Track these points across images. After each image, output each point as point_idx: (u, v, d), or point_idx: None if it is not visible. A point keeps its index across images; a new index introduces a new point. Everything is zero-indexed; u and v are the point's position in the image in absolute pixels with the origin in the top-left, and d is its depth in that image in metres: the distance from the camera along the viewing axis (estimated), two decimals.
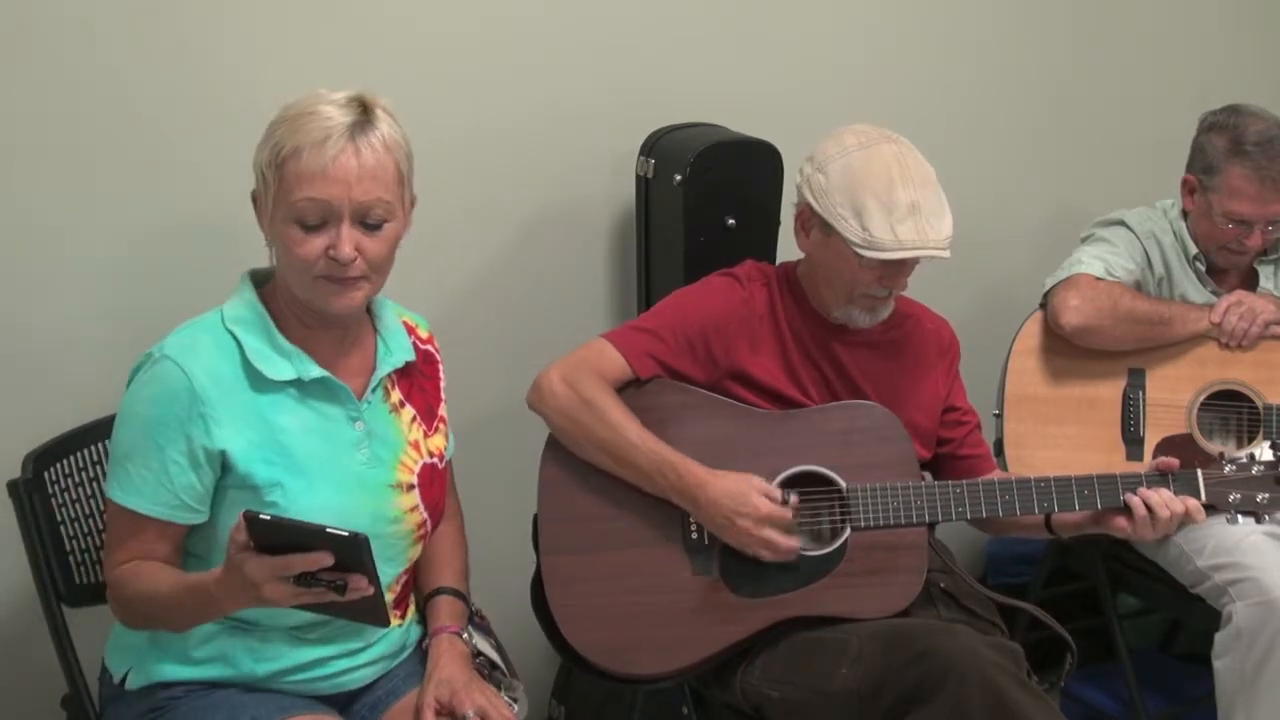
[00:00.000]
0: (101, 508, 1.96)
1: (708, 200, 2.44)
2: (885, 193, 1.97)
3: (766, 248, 2.47)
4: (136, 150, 2.16)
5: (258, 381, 1.72)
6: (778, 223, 2.49)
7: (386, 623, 1.67)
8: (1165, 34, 3.21)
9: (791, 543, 1.98)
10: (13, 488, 1.87)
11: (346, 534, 1.48)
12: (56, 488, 1.92)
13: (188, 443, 1.68)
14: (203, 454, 1.69)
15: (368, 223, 1.69)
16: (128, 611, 1.75)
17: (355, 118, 1.67)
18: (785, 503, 1.98)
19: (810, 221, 2.08)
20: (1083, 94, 3.14)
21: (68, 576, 1.91)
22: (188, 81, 2.17)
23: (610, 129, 2.55)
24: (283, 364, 1.73)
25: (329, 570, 1.51)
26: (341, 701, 1.85)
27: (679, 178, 2.43)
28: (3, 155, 2.07)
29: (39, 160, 2.10)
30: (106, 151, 2.14)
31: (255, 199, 1.74)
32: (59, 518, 1.91)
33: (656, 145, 2.52)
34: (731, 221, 2.46)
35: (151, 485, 1.69)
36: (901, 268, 2.04)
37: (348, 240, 1.67)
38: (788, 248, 2.23)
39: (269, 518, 1.50)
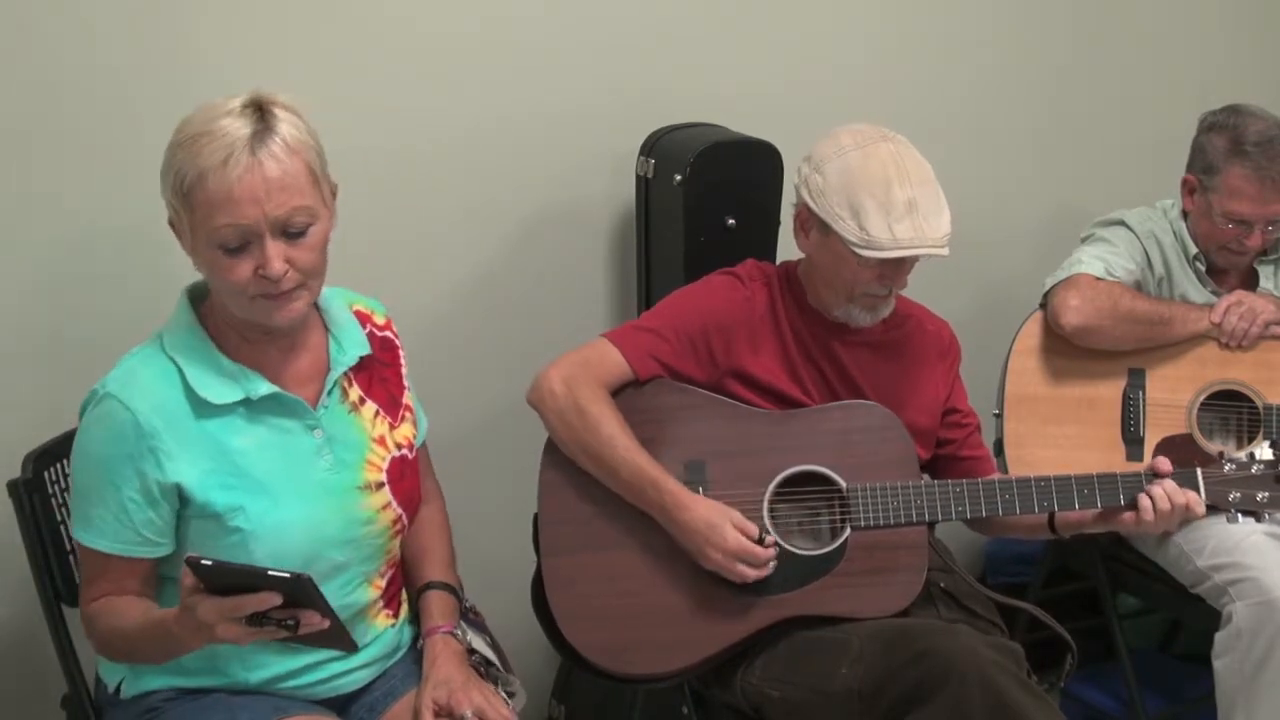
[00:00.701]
0: None
1: (708, 200, 2.44)
2: (882, 192, 1.97)
3: (766, 248, 2.47)
4: (134, 149, 2.16)
5: (203, 408, 1.69)
6: (778, 223, 2.49)
7: (353, 649, 1.67)
8: (1165, 34, 3.21)
9: (758, 573, 1.97)
10: (13, 488, 1.87)
11: (289, 575, 1.49)
12: (56, 488, 1.92)
13: (141, 479, 1.66)
14: (157, 488, 1.67)
15: (290, 232, 1.64)
16: (103, 646, 1.75)
17: (253, 127, 1.61)
18: (761, 539, 1.98)
19: (809, 222, 2.08)
20: (1083, 94, 3.14)
21: (68, 576, 1.90)
22: (186, 82, 2.17)
23: (610, 129, 2.55)
24: (227, 386, 1.70)
25: (280, 608, 1.51)
26: (339, 704, 1.84)
27: (679, 178, 2.43)
28: (5, 154, 2.07)
29: (39, 158, 2.10)
30: (104, 150, 2.14)
31: (173, 225, 1.69)
32: (59, 518, 1.91)
33: (656, 145, 2.52)
34: (731, 221, 2.46)
35: (111, 524, 1.68)
36: (901, 266, 2.04)
37: (275, 257, 1.62)
38: (788, 248, 2.23)
39: (210, 563, 1.50)
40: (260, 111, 1.63)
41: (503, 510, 2.31)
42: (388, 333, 1.92)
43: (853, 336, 2.15)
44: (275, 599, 1.50)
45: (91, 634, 1.75)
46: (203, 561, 1.50)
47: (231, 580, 1.51)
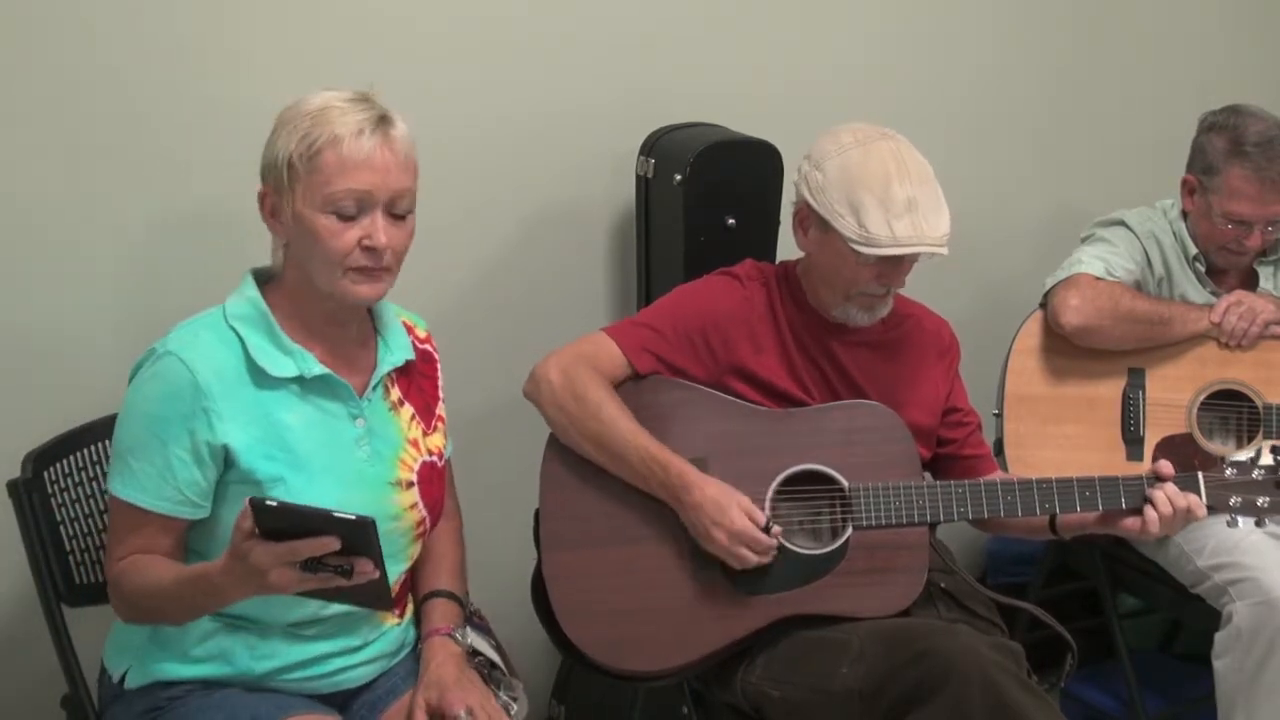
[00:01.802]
0: (102, 507, 1.96)
1: (708, 200, 2.44)
2: (882, 189, 1.97)
3: (766, 248, 2.47)
4: (134, 149, 2.16)
5: (260, 378, 1.73)
6: (778, 223, 2.49)
7: (391, 606, 1.68)
8: (1165, 34, 3.21)
9: (760, 560, 1.97)
10: (13, 488, 1.87)
11: (353, 517, 1.49)
12: (56, 488, 1.92)
13: (191, 438, 1.69)
14: (206, 449, 1.69)
15: (395, 213, 1.72)
16: (128, 606, 1.75)
17: (379, 112, 1.71)
18: (767, 529, 1.98)
19: (808, 220, 2.08)
20: (1083, 94, 3.14)
21: (68, 576, 1.90)
22: (185, 81, 2.17)
23: (610, 129, 2.55)
24: (285, 361, 1.74)
25: (335, 555, 1.51)
26: (341, 700, 1.85)
27: (679, 178, 2.43)
28: (4, 154, 2.07)
29: (37, 160, 2.10)
30: (105, 150, 2.14)
31: (263, 197, 1.74)
32: (59, 518, 1.91)
33: (656, 145, 2.52)
34: (731, 221, 2.47)
35: (154, 480, 1.70)
36: (899, 265, 2.04)
37: (384, 229, 1.70)
38: (788, 247, 2.23)
39: (275, 503, 1.51)
40: (376, 104, 1.73)
41: (502, 507, 2.31)
42: (428, 346, 1.97)
43: (852, 336, 2.15)
44: (334, 543, 1.50)
45: (116, 592, 1.75)
46: (267, 502, 1.50)
47: (292, 523, 1.50)
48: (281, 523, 1.51)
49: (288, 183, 1.70)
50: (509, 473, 2.31)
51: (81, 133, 2.12)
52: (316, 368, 1.76)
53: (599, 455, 2.02)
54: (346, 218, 1.69)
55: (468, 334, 2.52)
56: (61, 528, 1.91)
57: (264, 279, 1.81)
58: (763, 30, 2.71)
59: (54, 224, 2.13)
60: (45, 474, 1.90)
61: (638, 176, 2.55)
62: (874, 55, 2.86)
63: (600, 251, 2.66)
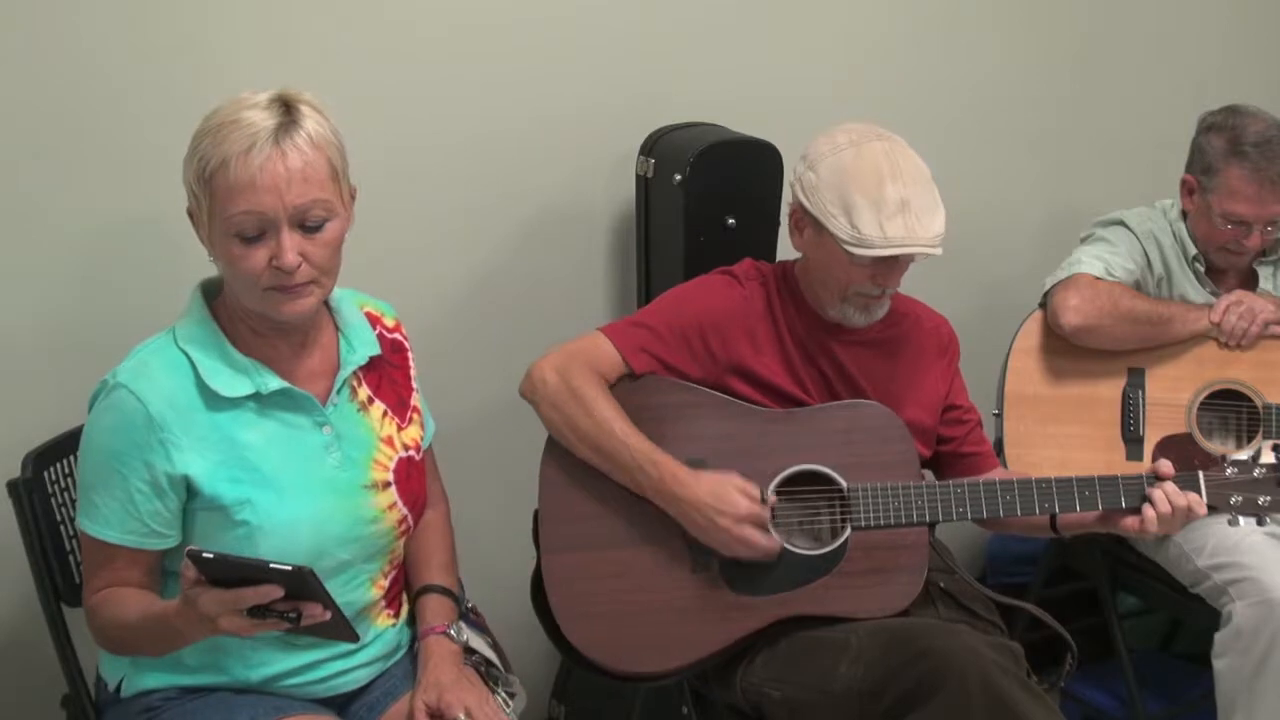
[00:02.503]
0: None
1: (708, 200, 2.44)
2: (875, 190, 1.97)
3: (766, 248, 2.47)
4: (136, 149, 2.16)
5: (214, 400, 1.70)
6: (778, 223, 2.49)
7: (354, 639, 1.67)
8: (1165, 34, 3.21)
9: (770, 543, 1.97)
10: (13, 488, 1.87)
11: (290, 569, 1.49)
12: (56, 488, 1.92)
13: (149, 470, 1.67)
14: (165, 480, 1.67)
15: (307, 225, 1.65)
16: (104, 638, 1.75)
17: (279, 119, 1.63)
18: (764, 502, 1.98)
19: (803, 220, 2.09)
20: (1083, 94, 3.14)
21: (68, 576, 1.90)
22: (186, 81, 2.17)
23: (610, 129, 2.55)
24: (239, 379, 1.71)
25: (281, 601, 1.52)
26: (339, 703, 1.84)
27: (679, 178, 2.43)
28: (4, 154, 2.07)
29: (37, 159, 2.10)
30: (106, 151, 2.14)
31: (191, 215, 1.70)
32: (59, 518, 1.91)
33: (656, 145, 2.52)
34: (731, 221, 2.47)
35: (118, 514, 1.68)
36: (894, 266, 2.03)
37: (289, 248, 1.63)
38: (788, 248, 2.23)
39: (211, 555, 1.51)
40: (286, 106, 1.65)
41: (502, 509, 2.31)
42: (397, 335, 1.93)
43: (851, 335, 2.15)
44: (277, 591, 1.50)
45: (93, 626, 1.75)
46: (204, 554, 1.50)
47: (233, 572, 1.52)
48: (222, 572, 1.52)
49: (197, 206, 1.67)
50: (508, 473, 2.31)
51: (80, 133, 2.12)
52: (274, 382, 1.72)
53: (591, 455, 2.02)
54: (250, 240, 1.63)
55: (468, 334, 2.52)
56: (61, 528, 1.91)
57: (215, 291, 1.77)
58: (763, 30, 2.71)
59: (54, 224, 2.13)
60: (45, 474, 1.90)
61: (638, 176, 2.55)
62: (874, 55, 2.86)
63: (600, 251, 2.66)
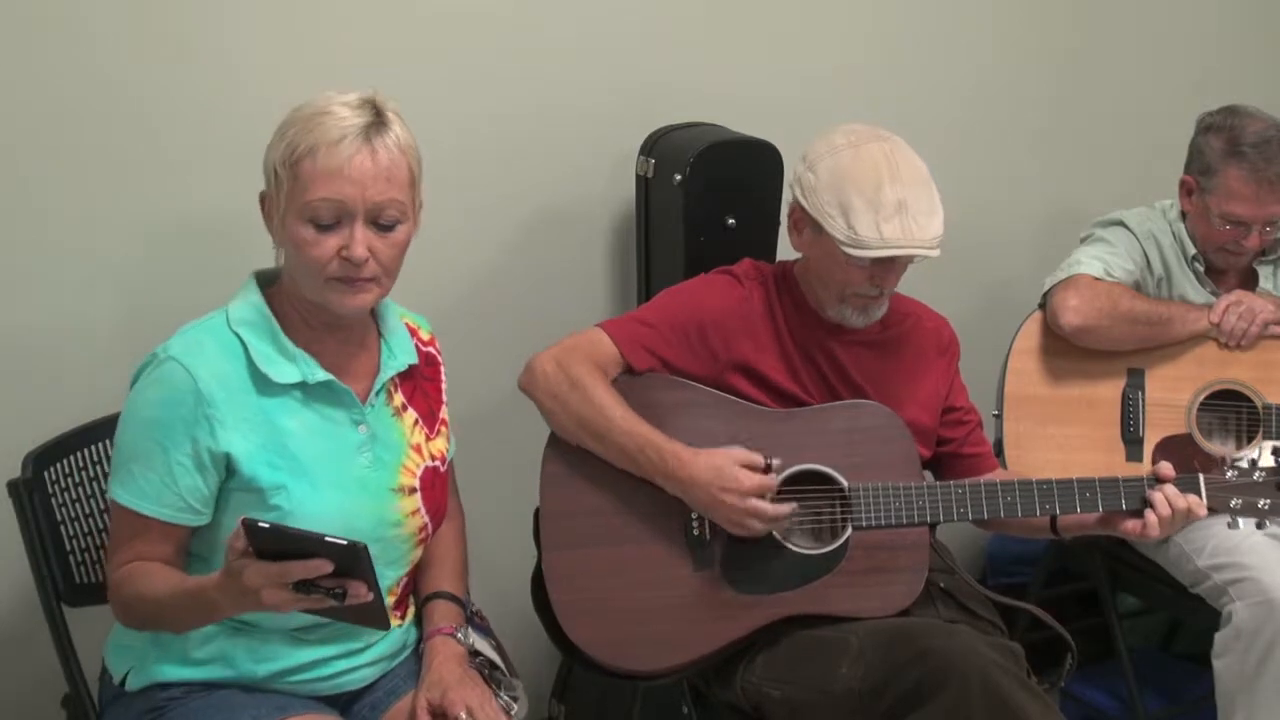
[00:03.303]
0: (102, 507, 1.96)
1: (708, 200, 2.44)
2: (872, 191, 1.97)
3: (766, 248, 2.47)
4: (137, 150, 2.16)
5: (263, 384, 1.72)
6: (778, 223, 2.49)
7: (387, 626, 1.67)
8: (1164, 34, 3.21)
9: (780, 509, 1.97)
10: (13, 488, 1.87)
11: (345, 543, 1.48)
12: (56, 488, 1.92)
13: (193, 444, 1.68)
14: (208, 456, 1.68)
15: (380, 223, 1.69)
16: (127, 612, 1.75)
17: (369, 119, 1.68)
18: (769, 466, 1.97)
19: (802, 221, 2.09)
20: (1083, 94, 3.14)
21: (68, 576, 1.91)
22: (187, 82, 2.17)
23: (610, 129, 2.55)
24: (288, 367, 1.73)
25: (328, 577, 1.51)
26: (343, 702, 1.85)
27: (679, 178, 2.43)
28: (6, 154, 2.07)
29: (40, 160, 2.10)
30: (107, 151, 2.14)
31: (264, 200, 1.74)
32: (59, 518, 1.91)
33: (656, 145, 2.52)
34: (731, 221, 2.47)
35: (155, 486, 1.69)
36: (891, 267, 2.03)
37: (361, 240, 1.67)
38: (787, 248, 2.23)
39: (267, 525, 1.50)
40: (376, 109, 1.70)
41: (503, 507, 2.31)
42: (431, 349, 1.96)
43: (851, 335, 2.15)
44: (326, 566, 1.50)
45: (116, 598, 1.75)
46: (260, 524, 1.49)
47: (285, 544, 1.50)
48: (274, 544, 1.50)
49: (275, 189, 1.69)
50: (509, 471, 2.31)
51: (82, 134, 2.12)
52: (320, 373, 1.75)
53: (592, 442, 2.02)
54: (324, 227, 1.67)
55: (468, 334, 2.52)
56: (61, 528, 1.91)
57: (267, 281, 1.80)
58: (763, 30, 2.71)
59: (55, 224, 2.13)
60: (45, 474, 1.90)
61: (638, 176, 2.55)
62: (874, 55, 2.86)
63: (600, 251, 2.66)
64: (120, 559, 1.73)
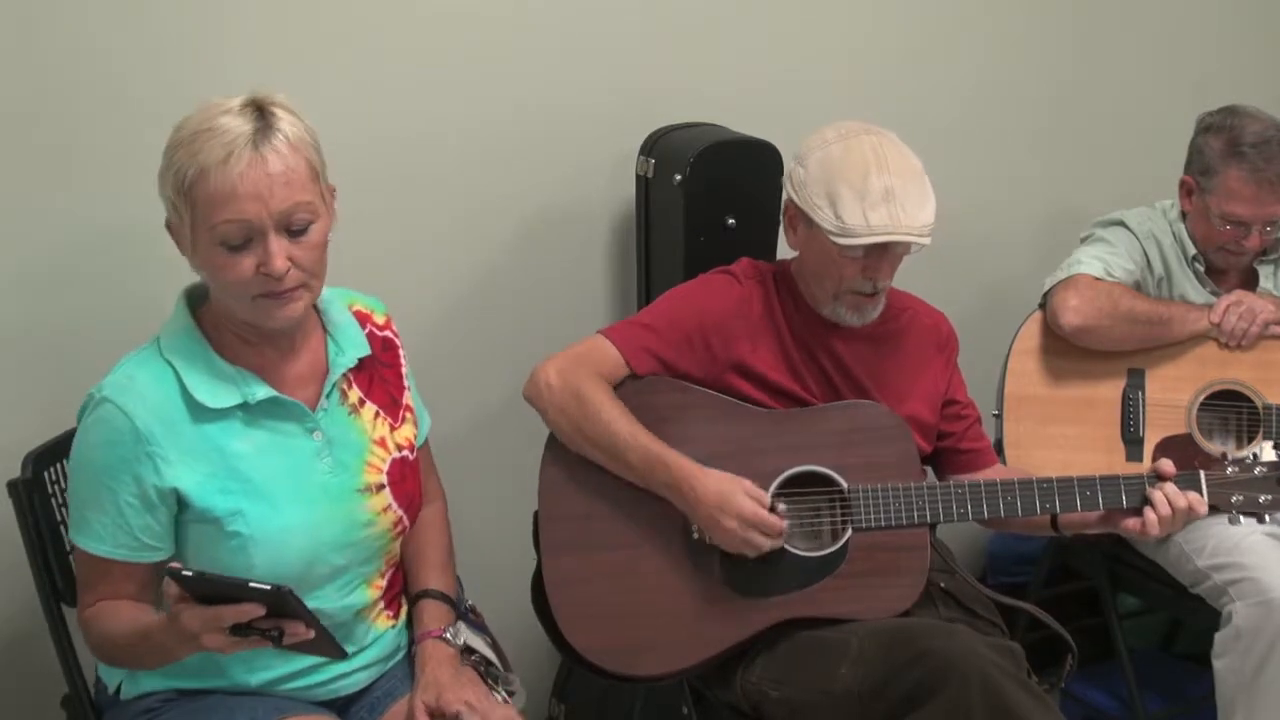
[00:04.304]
0: None
1: (708, 200, 2.44)
2: (860, 180, 1.98)
3: (766, 248, 2.47)
4: (131, 147, 2.14)
5: (201, 412, 1.68)
6: (777, 223, 2.47)
7: (342, 656, 1.65)
8: (1164, 34, 3.21)
9: (773, 543, 1.97)
10: (13, 488, 1.87)
11: (269, 588, 1.48)
12: (56, 488, 1.91)
13: (138, 484, 1.66)
14: (154, 493, 1.66)
15: (293, 229, 1.63)
16: (100, 652, 1.75)
17: (254, 124, 1.61)
18: (773, 509, 1.98)
19: (796, 217, 2.09)
20: (1083, 94, 3.14)
21: (68, 576, 1.90)
22: (194, 81, 2.17)
23: (610, 129, 2.55)
24: (225, 390, 1.69)
25: (264, 619, 1.51)
26: (339, 705, 1.84)
27: (679, 178, 2.43)
28: (8, 154, 2.07)
29: (41, 159, 2.10)
30: (102, 149, 2.14)
31: (170, 228, 1.68)
32: (59, 518, 1.91)
33: (656, 145, 2.52)
34: (731, 221, 2.47)
35: (109, 529, 1.67)
36: (883, 258, 2.03)
37: (278, 254, 1.61)
38: (787, 247, 2.23)
39: (191, 573, 1.50)
40: (260, 110, 1.63)
41: (503, 509, 2.31)
42: (388, 332, 1.91)
43: (850, 330, 2.14)
44: (257, 610, 1.49)
45: (88, 639, 1.75)
46: (184, 572, 1.50)
47: (213, 590, 1.51)
48: (203, 590, 1.51)
49: (177, 219, 1.65)
50: (509, 472, 2.31)
51: (79, 131, 2.12)
52: (260, 391, 1.70)
53: (599, 455, 2.02)
54: (236, 248, 1.61)
55: (468, 334, 2.52)
56: (61, 527, 1.91)
57: (201, 297, 1.75)
58: (762, 30, 2.70)
59: (55, 223, 2.13)
60: (45, 474, 1.90)
61: (638, 176, 2.55)
62: (874, 55, 2.86)
63: (600, 251, 2.66)
64: (87, 600, 1.73)
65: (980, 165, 2.99)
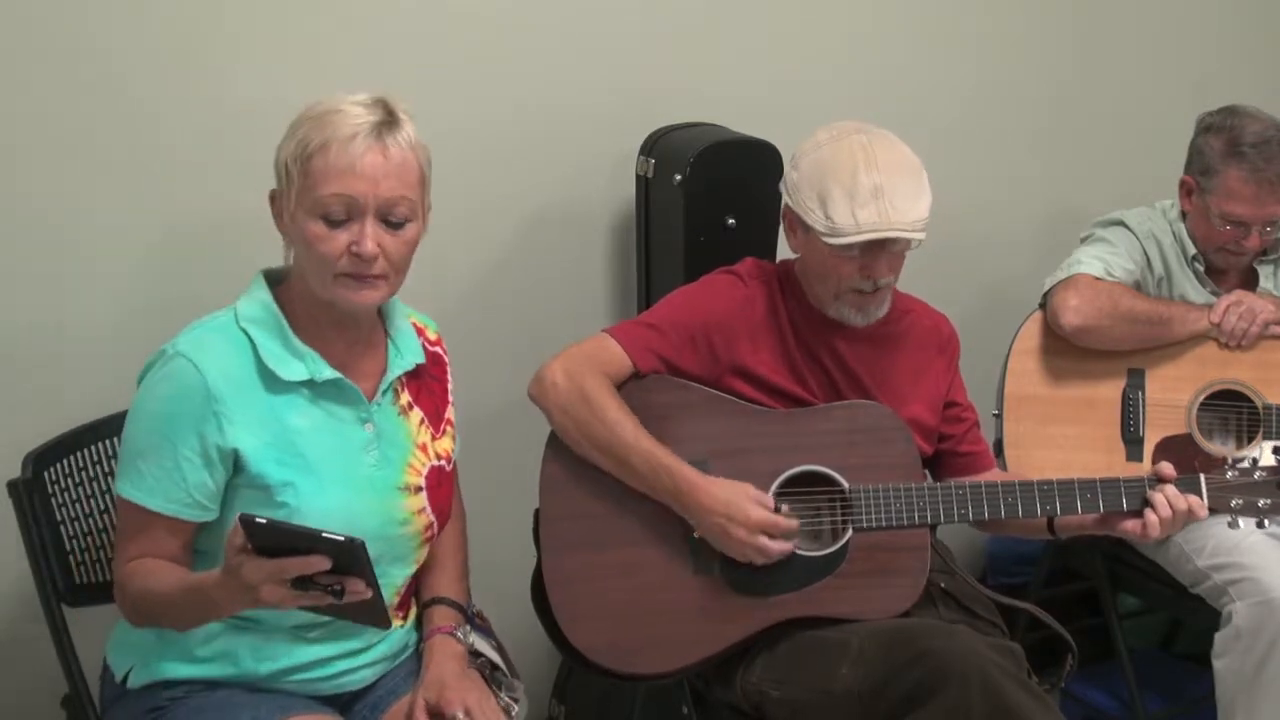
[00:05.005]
0: (102, 507, 1.97)
1: (708, 200, 2.44)
2: (849, 179, 1.98)
3: (766, 248, 2.47)
4: (140, 150, 2.16)
5: (270, 381, 1.72)
6: (777, 223, 2.47)
7: (388, 625, 1.67)
8: (1164, 34, 3.21)
9: (784, 545, 1.98)
10: (13, 488, 1.87)
11: (343, 539, 1.48)
12: (56, 488, 1.92)
13: (201, 440, 1.68)
14: (216, 452, 1.69)
15: (390, 220, 1.70)
16: (132, 608, 1.75)
17: (381, 117, 1.69)
18: (779, 510, 1.98)
19: (794, 221, 2.10)
20: (1083, 94, 3.14)
21: (68, 576, 1.90)
22: (193, 82, 2.17)
23: (610, 129, 2.55)
24: (296, 364, 1.74)
25: (326, 574, 1.50)
26: (343, 701, 1.85)
27: (679, 178, 2.43)
28: (7, 155, 2.07)
29: (41, 160, 2.10)
30: (108, 151, 2.14)
31: (274, 197, 1.74)
32: (59, 517, 1.91)
33: (656, 145, 2.52)
34: (731, 221, 2.47)
35: (163, 482, 1.69)
36: (878, 255, 2.03)
37: (371, 236, 1.68)
38: (788, 248, 2.23)
39: (264, 521, 1.50)
40: (387, 108, 1.71)
41: (503, 509, 2.31)
42: (438, 349, 1.97)
43: (852, 331, 2.14)
44: (324, 563, 1.49)
45: (123, 595, 1.75)
46: (257, 520, 1.49)
47: (282, 540, 1.50)
48: (272, 540, 1.50)
49: (287, 186, 1.70)
50: (510, 472, 2.31)
51: (85, 133, 2.12)
52: (327, 371, 1.75)
53: (604, 460, 2.02)
54: (335, 223, 1.68)
55: (468, 333, 2.51)
56: (61, 527, 1.91)
57: (276, 280, 1.80)
58: (763, 30, 2.71)
59: (55, 224, 2.13)
60: (45, 474, 1.90)
61: (638, 176, 2.55)
62: (874, 55, 2.86)
63: (600, 251, 2.66)
64: (127, 554, 1.73)
65: (980, 165, 2.99)
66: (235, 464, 1.70)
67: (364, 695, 1.87)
